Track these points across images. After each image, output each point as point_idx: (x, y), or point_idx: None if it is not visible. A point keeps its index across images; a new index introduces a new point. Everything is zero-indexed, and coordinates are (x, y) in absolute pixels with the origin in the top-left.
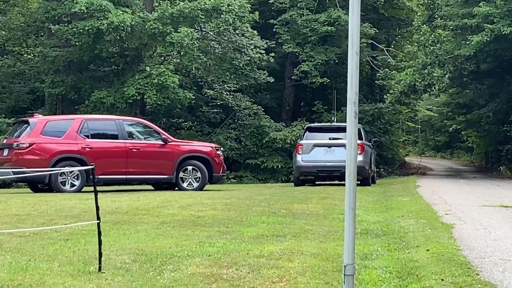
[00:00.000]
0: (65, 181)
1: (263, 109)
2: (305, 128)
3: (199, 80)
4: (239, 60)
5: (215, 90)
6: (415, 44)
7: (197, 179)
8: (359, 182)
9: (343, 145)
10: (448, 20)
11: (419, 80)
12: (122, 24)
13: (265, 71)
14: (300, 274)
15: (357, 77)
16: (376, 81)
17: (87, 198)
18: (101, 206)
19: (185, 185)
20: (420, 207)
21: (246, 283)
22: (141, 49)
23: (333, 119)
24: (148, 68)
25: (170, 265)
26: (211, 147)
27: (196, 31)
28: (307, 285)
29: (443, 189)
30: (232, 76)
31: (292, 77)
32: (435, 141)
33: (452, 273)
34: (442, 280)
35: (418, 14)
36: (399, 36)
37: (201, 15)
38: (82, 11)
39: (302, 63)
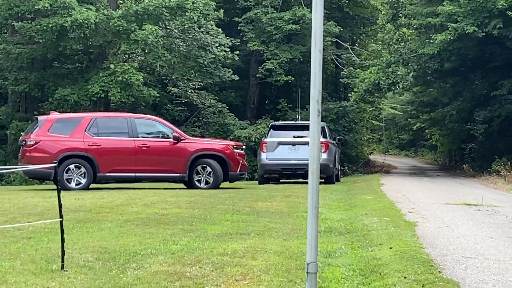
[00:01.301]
0: (71, 178)
1: (227, 107)
2: (269, 126)
3: (163, 77)
4: (204, 58)
5: (180, 88)
6: (380, 42)
7: (211, 178)
8: (323, 180)
9: (307, 143)
10: (412, 18)
11: (383, 78)
12: (86, 22)
13: (230, 69)
14: (264, 272)
15: (320, 75)
16: (340, 80)
17: (50, 196)
18: (65, 204)
19: (200, 183)
20: (383, 205)
21: (209, 281)
22: (105, 46)
23: (297, 117)
24: (112, 66)
25: (134, 263)
26: (227, 144)
27: (161, 28)
28: (270, 283)
29: (407, 187)
30: (196, 74)
31: (257, 75)
32: (399, 139)
33: (414, 271)
34: (405, 277)
35: (382, 12)
36: (363, 35)
37: (166, 12)
38: (45, 8)
39: (267, 61)
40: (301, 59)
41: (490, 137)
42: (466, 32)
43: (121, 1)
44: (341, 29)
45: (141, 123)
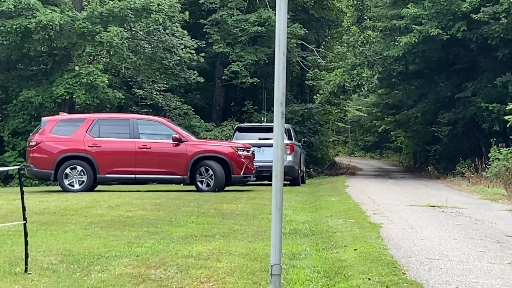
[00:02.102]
0: (71, 179)
1: (193, 109)
2: (235, 128)
3: (128, 79)
4: (169, 60)
5: (145, 90)
6: (345, 44)
7: (212, 180)
8: (288, 182)
9: (272, 145)
10: (377, 21)
11: (349, 80)
12: (51, 23)
13: (195, 71)
14: (229, 274)
15: (284, 77)
16: (306, 82)
17: (14, 199)
18: (29, 206)
19: (202, 185)
20: (348, 207)
21: (174, 283)
22: (70, 48)
23: (263, 119)
24: (77, 68)
25: (98, 266)
26: (230, 146)
27: (126, 30)
28: (235, 285)
29: (372, 189)
30: (162, 76)
31: (222, 77)
32: (365, 141)
33: (379, 272)
34: (369, 279)
35: (347, 15)
36: (328, 37)
37: (131, 14)
38: (9, 10)
39: (232, 63)
40: (267, 61)
41: (454, 139)
42: (431, 34)
43: (86, 3)
44: (307, 31)
45: (143, 124)
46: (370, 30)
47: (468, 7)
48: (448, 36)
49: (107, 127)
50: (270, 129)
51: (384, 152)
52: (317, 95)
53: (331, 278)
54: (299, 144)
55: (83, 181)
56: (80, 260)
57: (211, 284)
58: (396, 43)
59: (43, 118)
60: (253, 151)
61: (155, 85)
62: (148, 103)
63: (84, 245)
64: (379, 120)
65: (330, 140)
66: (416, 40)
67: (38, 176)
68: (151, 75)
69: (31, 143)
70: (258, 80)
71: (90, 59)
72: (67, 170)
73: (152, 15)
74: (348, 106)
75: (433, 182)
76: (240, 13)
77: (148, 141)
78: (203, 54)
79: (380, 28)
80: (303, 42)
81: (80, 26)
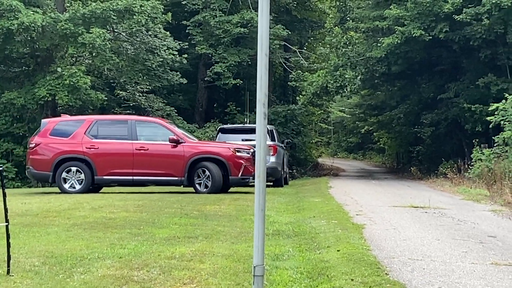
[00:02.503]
0: (69, 181)
1: (176, 111)
2: (218, 129)
3: (111, 81)
4: (152, 61)
5: (128, 91)
6: (327, 46)
7: (209, 181)
8: (271, 184)
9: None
10: (359, 22)
11: (331, 81)
12: (33, 25)
13: (178, 73)
14: (211, 276)
15: (266, 78)
16: (289, 83)
17: None
18: (11, 208)
19: (200, 187)
20: (331, 208)
21: (157, 284)
22: (52, 49)
23: (246, 120)
24: (59, 69)
25: (81, 268)
26: (228, 147)
27: (108, 32)
28: (218, 286)
29: (355, 190)
30: (144, 77)
31: (205, 79)
32: (348, 142)
33: (362, 273)
34: (352, 280)
35: (330, 16)
36: (311, 38)
37: (113, 15)
38: None
39: (215, 65)
40: (250, 63)
41: (437, 140)
42: (413, 35)
43: (68, 4)
44: (289, 33)
45: (142, 126)
46: (352, 31)
47: (451, 8)
48: (431, 37)
49: (105, 128)
50: (253, 130)
51: (367, 153)
52: (300, 96)
53: (314, 279)
54: (282, 145)
55: (81, 183)
56: (63, 262)
57: (194, 285)
58: (379, 44)
59: (43, 120)
60: (253, 152)
61: (138, 87)
62: (131, 104)
63: (67, 247)
64: (362, 121)
65: (313, 141)
66: (399, 41)
67: (37, 177)
68: (133, 77)
69: (30, 145)
70: (241, 82)
71: (73, 60)
72: (65, 172)
73: (134, 17)
74: (331, 107)
75: (416, 183)
76: (223, 14)
77: (146, 143)
78: (186, 55)
79: (363, 29)
80: (286, 43)
81: (62, 27)
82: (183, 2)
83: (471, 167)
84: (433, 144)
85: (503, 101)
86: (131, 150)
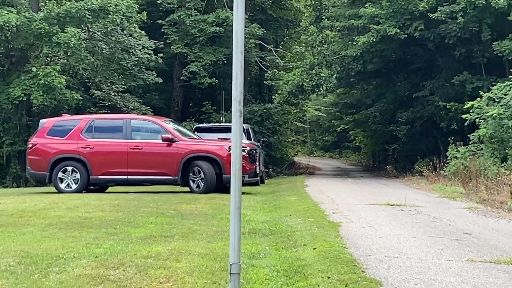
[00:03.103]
0: (65, 181)
1: (151, 110)
2: (193, 128)
3: (86, 80)
4: (127, 61)
5: (103, 90)
6: (303, 44)
7: (203, 181)
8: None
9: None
10: (335, 21)
11: (307, 80)
12: (7, 24)
13: (154, 72)
14: (188, 274)
15: (241, 76)
16: (264, 82)
17: None
18: None
19: (194, 186)
20: (307, 206)
21: (133, 284)
22: (27, 49)
23: (221, 119)
24: (34, 69)
25: (56, 267)
26: (222, 146)
27: (83, 31)
28: (194, 284)
29: (331, 188)
30: (120, 77)
31: (181, 78)
32: (324, 141)
33: (338, 271)
34: (329, 277)
35: (305, 15)
36: (287, 37)
37: (88, 15)
38: None
39: (191, 64)
40: (225, 61)
41: (412, 138)
42: (388, 34)
43: (42, 4)
44: (265, 31)
45: (136, 124)
46: (328, 30)
47: (426, 6)
48: (406, 36)
49: (101, 128)
50: (228, 129)
51: (343, 152)
52: (276, 95)
53: (291, 277)
54: (258, 144)
55: (77, 183)
56: (38, 261)
57: (171, 284)
58: (354, 43)
59: (41, 120)
60: (250, 150)
61: (113, 86)
62: (106, 104)
63: (42, 246)
64: (337, 119)
65: (289, 140)
66: (374, 40)
67: (34, 178)
68: (109, 76)
69: (28, 145)
70: (217, 81)
71: (48, 60)
72: (61, 172)
73: (109, 16)
74: (306, 106)
75: (391, 181)
76: (198, 14)
77: (140, 142)
78: (161, 54)
79: (338, 28)
80: (261, 42)
81: (37, 27)
82: (158, 1)
83: (446, 165)
84: (409, 142)
85: (478, 99)
86: (126, 149)
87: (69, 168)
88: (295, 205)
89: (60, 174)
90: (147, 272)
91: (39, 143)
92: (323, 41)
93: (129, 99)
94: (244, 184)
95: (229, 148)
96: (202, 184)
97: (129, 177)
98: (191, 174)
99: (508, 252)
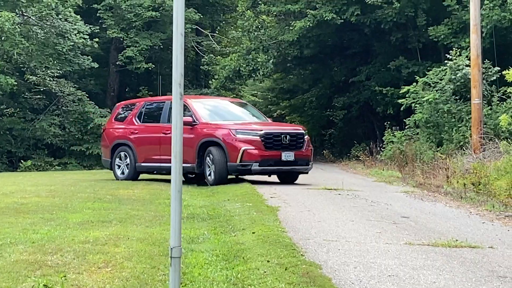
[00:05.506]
0: (122, 168)
1: (87, 95)
2: None
3: (21, 65)
4: (63, 46)
5: (38, 76)
6: (240, 29)
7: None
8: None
9: None
10: (271, 5)
11: (244, 65)
12: None
13: (89, 57)
14: (127, 259)
15: (182, 58)
16: (201, 67)
17: None
18: None
19: (208, 175)
20: (245, 191)
21: (71, 269)
22: None
23: None
24: None
25: None
26: (229, 129)
27: (18, 15)
28: (133, 269)
29: None
30: (55, 62)
31: (117, 63)
32: None
33: (277, 255)
34: (268, 261)
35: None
36: (223, 22)
37: None
38: None
39: (127, 49)
40: (161, 47)
41: (349, 123)
42: (325, 19)
43: None
44: (201, 16)
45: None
46: (264, 15)
47: None
48: (342, 21)
49: (148, 111)
50: None
51: None
52: (213, 80)
53: (230, 261)
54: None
55: (126, 171)
56: None
57: (109, 269)
58: (291, 28)
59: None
60: (263, 133)
61: (48, 71)
62: (41, 89)
63: None
64: (274, 105)
65: None
66: (311, 25)
67: (105, 165)
68: (44, 61)
69: (101, 131)
70: (153, 66)
71: None
72: (118, 158)
73: (44, 0)
74: (243, 91)
75: (328, 165)
76: None
77: (170, 126)
78: (97, 39)
79: (275, 13)
80: (198, 27)
81: None
82: None
83: (383, 150)
84: (345, 127)
85: (414, 84)
86: (159, 134)
87: (122, 154)
88: (233, 190)
89: (116, 161)
90: (86, 257)
91: (108, 128)
92: (259, 26)
93: (65, 84)
94: (297, 172)
95: (235, 131)
96: (212, 173)
97: (161, 164)
98: (206, 161)
99: (445, 234)
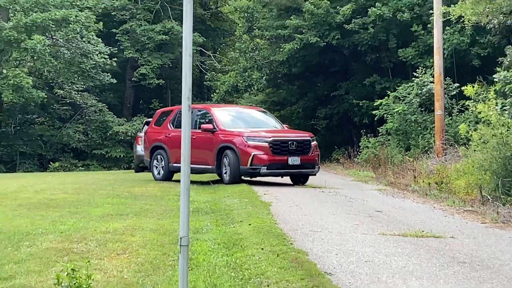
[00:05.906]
0: (158, 169)
1: (107, 107)
2: (143, 122)
3: (50, 81)
4: (86, 64)
5: (65, 90)
6: (237, 51)
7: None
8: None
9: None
10: (264, 30)
11: (241, 81)
12: None
13: (109, 74)
14: (141, 247)
15: (190, 75)
16: (204, 83)
17: None
18: None
19: (224, 176)
20: (242, 189)
21: (94, 255)
22: None
23: None
24: (4, 71)
25: (27, 242)
26: (242, 136)
27: (48, 38)
28: (147, 256)
29: None
30: (79, 78)
31: (132, 79)
32: None
33: (270, 243)
34: (262, 249)
35: (239, 25)
36: (223, 44)
37: (52, 24)
38: None
39: (141, 67)
40: (171, 65)
41: (330, 131)
42: (310, 42)
43: (12, 14)
44: (205, 39)
45: (198, 113)
46: (259, 38)
47: (342, 18)
48: (325, 43)
49: (181, 118)
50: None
51: None
52: (214, 94)
53: (230, 248)
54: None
55: (162, 171)
56: (11, 237)
57: (126, 255)
58: (281, 50)
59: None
60: (272, 140)
61: (74, 86)
62: (68, 101)
63: (14, 224)
64: None
65: None
66: (298, 47)
67: (146, 164)
68: (70, 77)
69: (143, 134)
70: (163, 81)
71: (16, 63)
72: (155, 160)
73: (70, 25)
74: (240, 103)
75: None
76: (147, 24)
77: (195, 131)
78: (115, 59)
79: (268, 37)
80: (201, 48)
81: (7, 35)
82: (113, 13)
83: (359, 153)
84: (327, 134)
85: (386, 97)
86: None
87: (158, 156)
88: (231, 188)
89: (154, 162)
90: (106, 245)
91: (148, 132)
92: (254, 48)
93: (88, 97)
94: (302, 175)
95: (248, 138)
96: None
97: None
98: (223, 162)
99: (413, 226)
